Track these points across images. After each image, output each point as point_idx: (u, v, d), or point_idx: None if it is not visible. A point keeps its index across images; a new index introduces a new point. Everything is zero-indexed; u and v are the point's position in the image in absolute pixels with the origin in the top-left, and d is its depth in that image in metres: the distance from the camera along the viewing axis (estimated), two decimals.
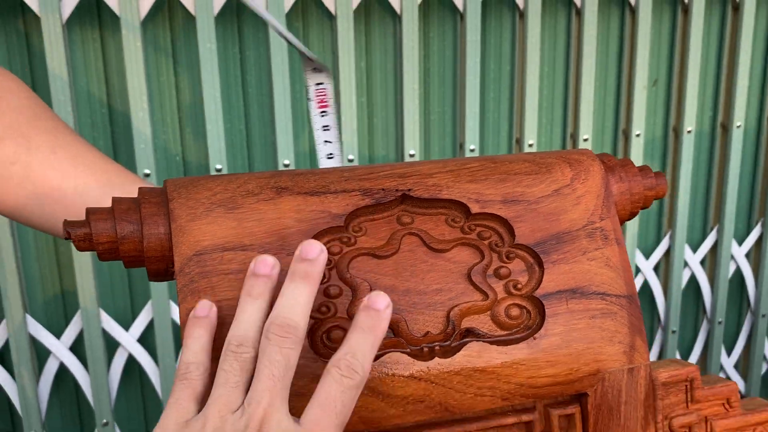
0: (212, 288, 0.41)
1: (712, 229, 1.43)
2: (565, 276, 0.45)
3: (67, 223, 0.43)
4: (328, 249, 0.44)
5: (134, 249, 0.43)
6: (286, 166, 1.13)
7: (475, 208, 0.46)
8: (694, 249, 1.42)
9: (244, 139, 1.19)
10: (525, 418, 0.45)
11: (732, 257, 1.44)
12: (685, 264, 1.41)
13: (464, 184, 0.47)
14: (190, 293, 0.41)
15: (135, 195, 0.55)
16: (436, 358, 0.43)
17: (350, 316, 0.43)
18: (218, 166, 1.11)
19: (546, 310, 0.45)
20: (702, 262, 1.44)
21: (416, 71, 1.15)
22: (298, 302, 0.39)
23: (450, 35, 1.21)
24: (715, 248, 1.43)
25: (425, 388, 0.42)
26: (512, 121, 1.27)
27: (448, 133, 1.26)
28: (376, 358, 0.42)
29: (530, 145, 1.23)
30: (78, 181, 0.56)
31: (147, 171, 1.09)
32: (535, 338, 0.44)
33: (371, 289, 0.44)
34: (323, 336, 0.42)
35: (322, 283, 0.43)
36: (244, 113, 1.18)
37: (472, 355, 0.43)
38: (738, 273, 1.47)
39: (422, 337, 0.43)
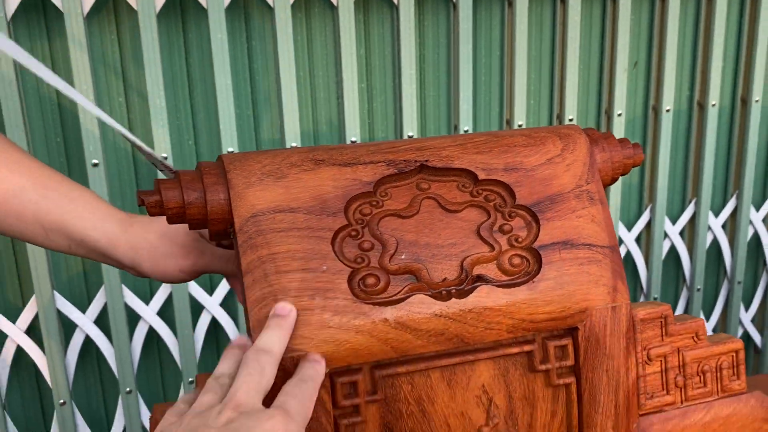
0: (267, 243, 0.50)
1: (690, 202, 1.52)
2: (557, 230, 0.54)
3: (141, 192, 0.51)
4: (360, 211, 0.53)
5: (198, 213, 0.51)
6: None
7: (481, 176, 0.55)
8: (674, 221, 1.52)
9: (252, 124, 1.26)
10: (526, 348, 0.53)
11: (709, 228, 1.53)
12: (665, 235, 1.51)
13: (472, 155, 0.55)
14: (249, 248, 0.50)
15: (68, 195, 0.62)
16: (453, 299, 0.51)
17: (381, 266, 0.51)
18: (230, 149, 1.19)
19: (542, 258, 0.53)
20: (681, 233, 1.53)
21: (413, 58, 1.23)
22: (272, 340, 0.47)
23: (444, 24, 1.29)
24: (693, 220, 1.53)
25: (444, 323, 0.51)
26: (503, 103, 1.36)
27: (443, 116, 1.34)
28: (402, 300, 0.51)
29: (520, 126, 1.32)
30: (15, 184, 0.61)
31: (164, 154, 1.16)
32: (533, 282, 0.53)
33: (398, 244, 0.52)
34: (359, 282, 0.51)
35: (356, 238, 0.52)
36: (251, 99, 1.26)
37: (482, 296, 0.52)
38: (715, 243, 1.57)
39: (441, 282, 0.52)
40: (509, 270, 0.53)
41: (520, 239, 0.54)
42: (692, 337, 0.57)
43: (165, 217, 0.59)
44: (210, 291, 1.27)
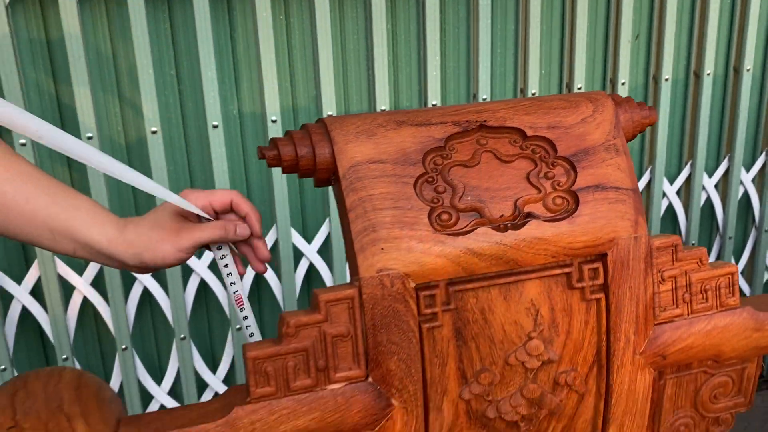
0: (365, 187, 0.63)
1: (686, 164, 1.66)
2: (591, 176, 0.67)
3: (262, 147, 0.64)
4: (434, 161, 0.66)
5: (308, 164, 0.64)
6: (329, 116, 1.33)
7: (529, 133, 0.68)
8: (671, 181, 1.65)
9: (290, 93, 1.38)
10: (566, 270, 0.67)
11: (703, 188, 1.67)
12: (663, 194, 1.64)
13: (521, 116, 0.68)
14: (351, 191, 0.63)
15: (73, 203, 0.69)
16: (509, 231, 0.65)
17: (452, 205, 0.65)
18: (273, 118, 1.32)
19: (579, 199, 0.67)
20: (678, 193, 1.67)
21: (437, 32, 1.35)
22: None
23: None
24: (688, 180, 1.67)
25: (502, 249, 0.64)
26: (517, 73, 1.49)
27: (462, 85, 1.47)
28: (470, 231, 0.64)
29: (533, 94, 1.45)
30: (28, 194, 0.69)
31: (215, 123, 1.29)
32: (572, 217, 0.66)
33: (464, 188, 0.65)
34: (436, 217, 0.64)
35: (432, 183, 0.65)
36: (289, 72, 1.38)
37: (532, 229, 0.65)
38: (708, 202, 1.71)
39: (499, 218, 0.65)
40: (553, 208, 0.66)
41: (561, 183, 0.67)
42: (697, 262, 0.71)
43: (151, 214, 0.71)
44: None
